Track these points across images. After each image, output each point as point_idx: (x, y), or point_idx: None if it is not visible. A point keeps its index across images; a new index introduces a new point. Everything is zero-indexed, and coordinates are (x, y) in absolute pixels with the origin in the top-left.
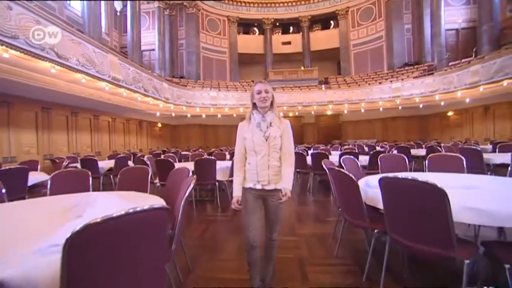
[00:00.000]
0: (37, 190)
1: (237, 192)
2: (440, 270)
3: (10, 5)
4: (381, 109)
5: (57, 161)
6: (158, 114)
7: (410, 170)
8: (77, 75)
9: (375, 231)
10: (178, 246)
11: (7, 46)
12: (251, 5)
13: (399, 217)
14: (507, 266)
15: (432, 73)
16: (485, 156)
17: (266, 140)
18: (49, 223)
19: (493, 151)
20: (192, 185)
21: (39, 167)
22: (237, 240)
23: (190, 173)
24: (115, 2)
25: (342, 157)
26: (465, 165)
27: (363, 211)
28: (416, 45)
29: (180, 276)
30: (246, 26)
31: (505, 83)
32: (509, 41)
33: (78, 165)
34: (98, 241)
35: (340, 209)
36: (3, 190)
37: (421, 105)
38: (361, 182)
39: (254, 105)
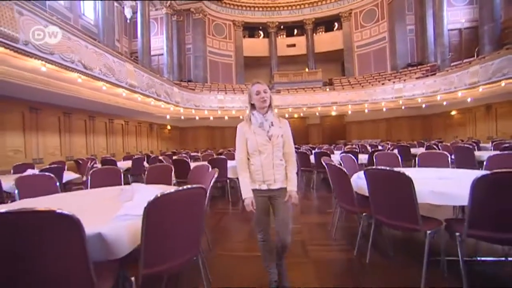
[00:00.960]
0: (68, 187)
1: (248, 193)
2: (416, 245)
3: (48, 25)
4: (384, 109)
5: (81, 162)
6: (168, 117)
7: (403, 166)
8: (99, 83)
9: (364, 214)
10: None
11: (45, 61)
12: (256, 9)
13: (379, 200)
14: (457, 234)
15: (434, 74)
16: (477, 153)
17: (270, 139)
18: (110, 204)
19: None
20: (216, 175)
21: (65, 167)
22: (247, 227)
23: (210, 169)
24: (125, 10)
25: (341, 155)
26: (449, 161)
27: (353, 198)
28: (419, 46)
29: (209, 245)
30: (251, 29)
31: (503, 83)
32: (510, 41)
33: (99, 165)
34: (163, 207)
35: (336, 199)
36: (57, 183)
37: (423, 105)
38: (354, 176)
39: (252, 106)
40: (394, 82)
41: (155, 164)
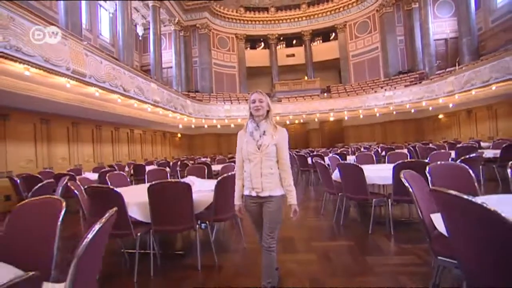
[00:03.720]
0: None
1: (237, 200)
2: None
3: (102, 61)
4: (378, 114)
5: (116, 168)
6: (180, 126)
7: (376, 163)
8: (131, 101)
9: (339, 194)
10: None
11: (100, 88)
12: (257, 22)
13: (346, 183)
14: (390, 200)
15: (423, 80)
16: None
17: (259, 148)
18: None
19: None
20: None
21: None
22: None
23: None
24: (138, 28)
25: (329, 157)
26: (409, 158)
27: (332, 183)
28: (409, 55)
29: None
30: (252, 41)
31: (473, 92)
32: (487, 52)
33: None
34: (223, 183)
35: (324, 187)
36: (129, 179)
37: (412, 110)
38: (336, 170)
39: (251, 114)
40: (386, 89)
41: (193, 165)
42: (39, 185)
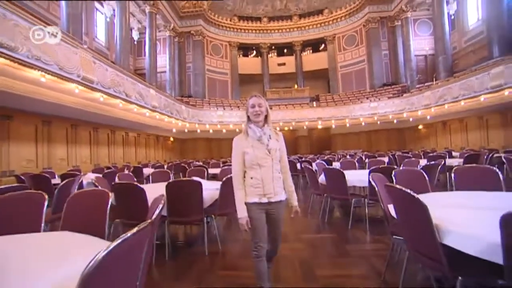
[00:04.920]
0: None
1: (243, 213)
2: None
3: (108, 68)
4: (363, 123)
5: (118, 169)
6: (174, 130)
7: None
8: (131, 106)
9: (324, 195)
10: None
11: (105, 94)
12: (250, 31)
13: (330, 186)
14: (366, 200)
15: (402, 95)
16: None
17: (269, 152)
18: None
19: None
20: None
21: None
22: None
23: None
24: (133, 32)
25: (316, 163)
26: (386, 164)
27: (319, 186)
28: (393, 68)
29: None
30: (245, 49)
31: (446, 106)
32: (460, 70)
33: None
34: (226, 183)
35: (311, 189)
36: (150, 179)
37: (395, 121)
38: (322, 174)
39: (249, 118)
40: (371, 100)
41: (193, 168)
42: (65, 181)
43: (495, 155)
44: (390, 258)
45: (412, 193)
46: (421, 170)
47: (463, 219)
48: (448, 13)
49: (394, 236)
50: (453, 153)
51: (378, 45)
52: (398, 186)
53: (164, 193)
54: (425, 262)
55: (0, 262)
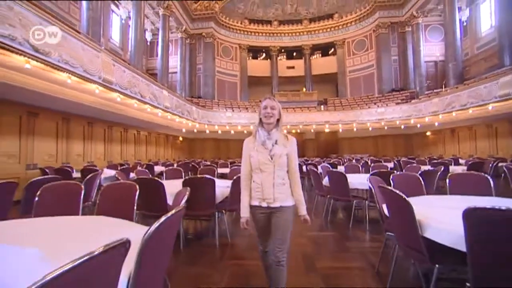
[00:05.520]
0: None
1: (245, 213)
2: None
3: (125, 70)
4: (370, 128)
5: (131, 166)
6: (184, 130)
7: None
8: (145, 106)
9: (328, 196)
10: None
11: (122, 94)
12: (260, 34)
13: (333, 188)
14: (367, 202)
15: (410, 101)
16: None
17: (272, 158)
18: None
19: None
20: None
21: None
22: None
23: None
24: (146, 34)
25: (321, 166)
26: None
27: (323, 187)
28: (402, 74)
29: None
30: (255, 52)
31: (454, 113)
32: (470, 77)
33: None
34: (237, 182)
35: (316, 190)
36: (164, 176)
37: (402, 126)
38: (326, 177)
39: (260, 120)
40: (378, 105)
41: (204, 167)
42: (91, 174)
43: (501, 163)
44: (384, 253)
45: (400, 193)
46: (418, 175)
47: (442, 216)
48: (460, 20)
49: (387, 233)
50: (460, 161)
51: (388, 51)
52: (389, 188)
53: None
54: (410, 253)
55: (59, 234)
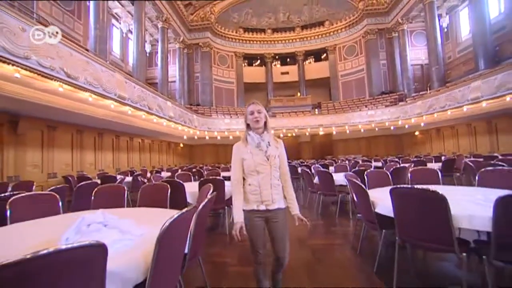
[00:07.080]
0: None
1: (239, 217)
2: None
3: (135, 86)
4: (362, 130)
5: (141, 172)
6: (185, 137)
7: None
8: (152, 117)
9: (318, 192)
10: None
11: (132, 107)
12: (254, 42)
13: (322, 184)
14: (350, 195)
15: (398, 103)
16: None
17: (268, 159)
18: None
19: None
20: None
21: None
22: None
23: None
24: (145, 45)
25: (314, 166)
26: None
27: (313, 185)
28: (391, 77)
29: None
30: (250, 59)
31: (435, 114)
32: (452, 80)
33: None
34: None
35: (308, 187)
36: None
37: (392, 127)
38: (316, 176)
39: (248, 126)
40: (369, 108)
41: (210, 171)
42: (119, 179)
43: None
44: (358, 234)
45: (360, 184)
46: (386, 171)
47: (385, 197)
48: (441, 26)
49: (358, 215)
50: (443, 158)
51: (377, 55)
52: (354, 180)
53: (198, 188)
54: (369, 225)
55: (116, 221)
